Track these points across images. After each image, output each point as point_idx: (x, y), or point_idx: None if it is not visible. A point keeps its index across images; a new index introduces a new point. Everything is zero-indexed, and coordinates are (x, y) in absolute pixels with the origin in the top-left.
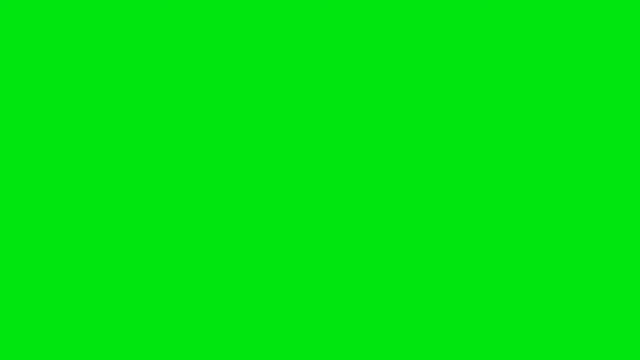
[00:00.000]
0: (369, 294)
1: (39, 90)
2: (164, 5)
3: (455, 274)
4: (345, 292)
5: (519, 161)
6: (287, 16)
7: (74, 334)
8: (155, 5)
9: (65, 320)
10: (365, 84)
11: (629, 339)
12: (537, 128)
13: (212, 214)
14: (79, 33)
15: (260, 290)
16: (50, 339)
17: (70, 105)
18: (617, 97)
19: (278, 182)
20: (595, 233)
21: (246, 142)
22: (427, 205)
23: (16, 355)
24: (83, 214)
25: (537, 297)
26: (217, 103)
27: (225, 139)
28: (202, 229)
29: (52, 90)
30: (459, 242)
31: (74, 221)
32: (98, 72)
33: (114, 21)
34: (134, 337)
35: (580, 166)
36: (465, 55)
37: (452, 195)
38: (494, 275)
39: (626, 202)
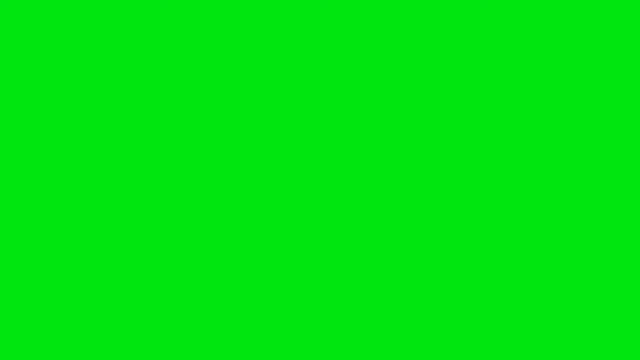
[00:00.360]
0: (369, 294)
1: (39, 90)
2: (164, 5)
3: (455, 274)
4: (345, 292)
5: (519, 161)
6: (287, 16)
7: (74, 334)
8: (155, 5)
9: (65, 321)
10: (366, 84)
11: (629, 339)
12: (537, 128)
13: (212, 213)
14: (79, 33)
15: (260, 290)
16: (50, 339)
17: (70, 105)
18: (617, 97)
19: (278, 182)
20: (595, 233)
21: (246, 142)
22: (427, 205)
23: (16, 356)
24: (83, 214)
25: (537, 297)
26: (217, 103)
27: (225, 139)
28: (202, 228)
29: (52, 90)
30: (459, 242)
31: (74, 221)
32: (98, 72)
33: (114, 21)
34: (134, 337)
35: (581, 166)
36: (466, 55)
37: (452, 195)
38: (494, 275)
39: (626, 202)
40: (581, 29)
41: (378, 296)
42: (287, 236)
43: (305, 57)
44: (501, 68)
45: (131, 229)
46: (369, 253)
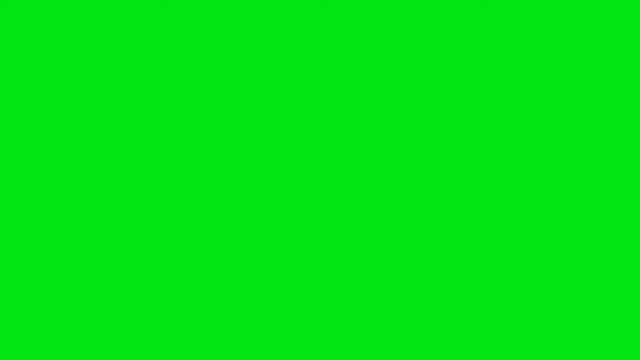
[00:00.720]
0: (368, 294)
1: (39, 90)
2: (164, 5)
3: (455, 274)
4: (345, 292)
5: (519, 161)
6: (287, 16)
7: (74, 334)
8: (155, 5)
9: (65, 321)
10: (366, 84)
11: (629, 339)
12: (537, 128)
13: (212, 214)
14: (79, 33)
15: (260, 291)
16: (50, 339)
17: (70, 106)
18: (617, 97)
19: (278, 182)
20: (595, 233)
21: (246, 142)
22: (427, 206)
23: (16, 356)
24: (83, 214)
25: (537, 297)
26: (217, 103)
27: (225, 139)
28: (202, 229)
29: (52, 90)
30: (459, 242)
31: (74, 221)
32: (98, 72)
33: (114, 21)
34: (134, 337)
35: (581, 166)
36: (465, 55)
37: (452, 196)
38: (494, 275)
39: (626, 202)
40: (581, 29)
41: (377, 296)
42: (286, 236)
43: (305, 57)
44: (501, 68)
45: (131, 228)
46: (369, 253)
